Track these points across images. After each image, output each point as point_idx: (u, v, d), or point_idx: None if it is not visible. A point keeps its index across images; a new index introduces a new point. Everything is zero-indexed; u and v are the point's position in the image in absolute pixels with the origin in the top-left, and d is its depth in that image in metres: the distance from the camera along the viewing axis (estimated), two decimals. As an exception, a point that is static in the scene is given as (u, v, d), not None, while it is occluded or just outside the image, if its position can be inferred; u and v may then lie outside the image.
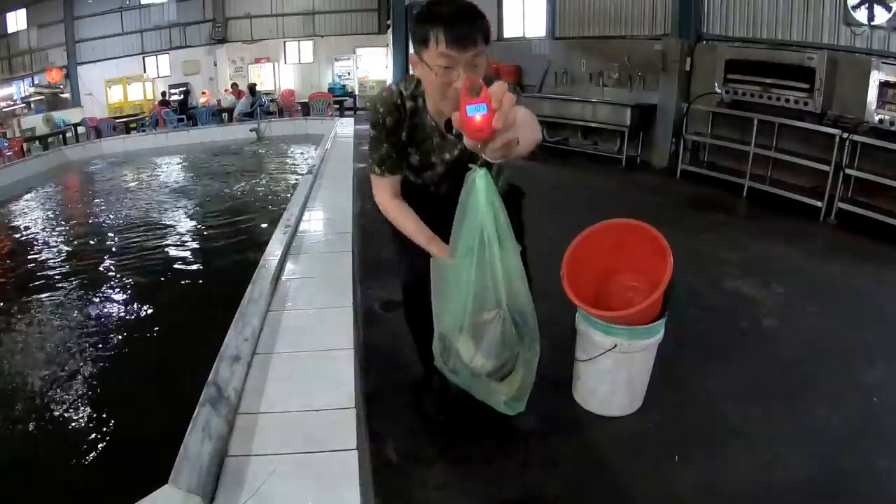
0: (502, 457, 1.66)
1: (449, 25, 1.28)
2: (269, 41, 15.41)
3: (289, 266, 2.06)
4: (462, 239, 1.20)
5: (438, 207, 1.52)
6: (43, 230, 5.49)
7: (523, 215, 1.69)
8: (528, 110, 1.13)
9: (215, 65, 15.31)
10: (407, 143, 1.52)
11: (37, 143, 10.71)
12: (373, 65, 14.89)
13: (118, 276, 4.00)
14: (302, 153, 8.70)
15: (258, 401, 1.23)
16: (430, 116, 1.48)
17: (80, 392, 2.48)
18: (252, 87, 12.67)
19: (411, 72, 1.44)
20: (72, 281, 3.91)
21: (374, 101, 1.52)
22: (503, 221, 1.18)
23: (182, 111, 13.09)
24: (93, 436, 2.18)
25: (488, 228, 1.15)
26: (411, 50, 1.39)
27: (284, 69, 15.75)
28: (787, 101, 4.51)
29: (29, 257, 4.58)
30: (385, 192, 1.57)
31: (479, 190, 1.12)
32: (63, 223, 5.75)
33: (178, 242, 4.79)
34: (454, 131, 1.38)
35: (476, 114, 0.87)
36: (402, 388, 1.96)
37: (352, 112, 12.96)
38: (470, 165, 1.14)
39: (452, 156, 1.53)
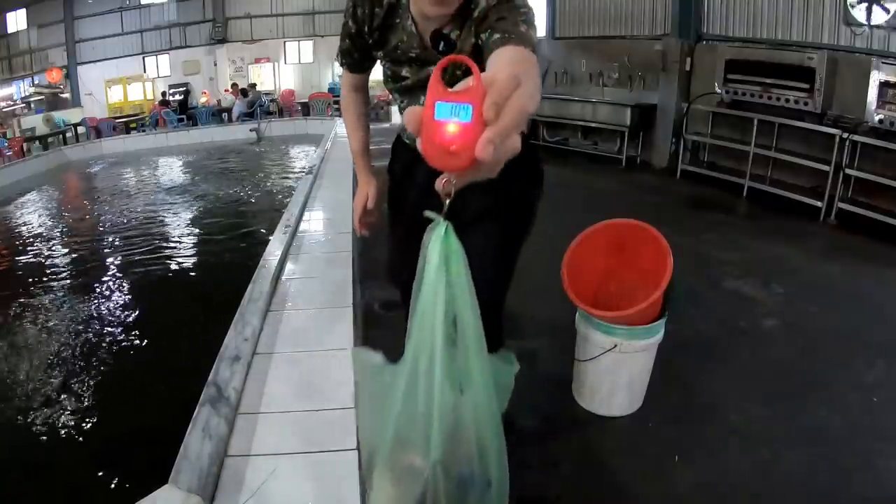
0: (502, 457, 1.66)
1: None
2: (269, 41, 15.41)
3: (289, 266, 2.06)
4: (411, 327, 0.70)
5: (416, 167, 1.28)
6: (43, 230, 5.48)
7: (537, 205, 1.34)
8: (535, 74, 0.76)
9: (215, 65, 15.31)
10: (376, 45, 1.21)
11: (37, 143, 10.70)
12: (372, 65, 14.87)
13: (118, 275, 4.00)
14: (304, 153, 8.70)
15: (258, 401, 1.23)
16: (411, 19, 1.14)
17: (80, 392, 2.48)
18: (244, 90, 12.72)
19: None
20: (71, 281, 3.91)
21: None
22: (470, 326, 0.68)
23: (182, 111, 13.10)
24: (92, 435, 2.18)
25: (432, 330, 0.66)
26: None
27: (284, 69, 15.75)
28: (787, 101, 4.51)
29: (29, 257, 4.58)
30: (345, 81, 1.38)
31: (432, 260, 0.64)
32: (63, 223, 5.75)
33: (178, 243, 4.79)
34: (441, 46, 1.13)
35: (450, 120, 0.46)
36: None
37: (352, 112, 12.90)
38: (427, 214, 0.63)
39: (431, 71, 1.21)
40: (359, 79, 1.36)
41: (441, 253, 0.63)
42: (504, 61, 0.84)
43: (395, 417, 0.72)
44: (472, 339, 0.68)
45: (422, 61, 1.18)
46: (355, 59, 1.29)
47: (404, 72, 1.23)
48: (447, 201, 0.53)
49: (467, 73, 0.49)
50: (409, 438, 0.73)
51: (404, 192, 1.36)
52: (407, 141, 1.39)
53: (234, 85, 13.84)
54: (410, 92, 1.26)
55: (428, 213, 0.62)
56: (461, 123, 0.45)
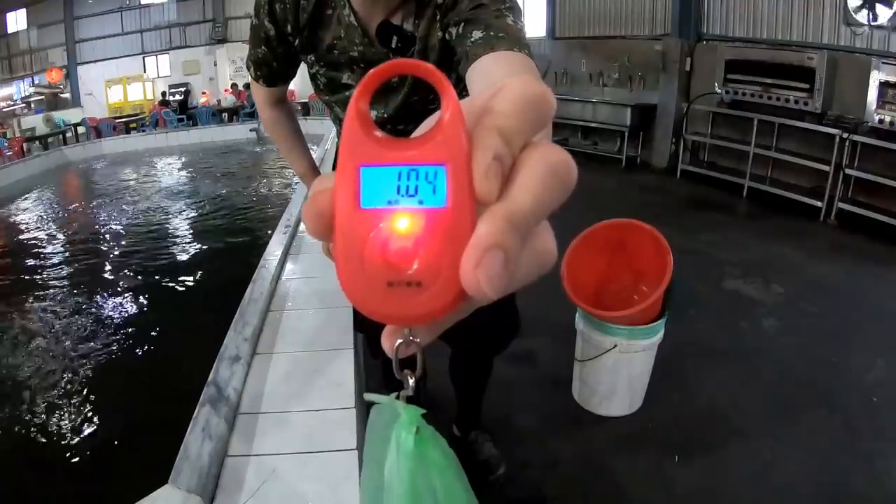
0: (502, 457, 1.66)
1: None
2: (269, 41, 15.40)
3: (289, 266, 2.06)
4: None
5: None
6: (43, 230, 5.48)
7: None
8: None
9: (215, 65, 15.32)
10: (305, 48, 0.96)
11: (37, 143, 10.70)
12: (373, 65, 14.88)
13: (117, 275, 4.00)
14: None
15: (258, 401, 1.23)
16: (349, 9, 0.90)
17: (80, 391, 2.48)
18: (248, 85, 12.77)
19: None
20: (71, 281, 3.91)
21: None
22: None
23: (182, 111, 13.11)
24: (92, 435, 2.18)
25: None
26: None
27: (284, 69, 15.74)
28: (787, 101, 4.51)
29: (29, 257, 4.58)
30: (260, 96, 1.12)
31: (403, 472, 0.31)
32: (63, 223, 5.75)
33: (178, 243, 4.79)
34: (394, 42, 0.91)
35: (400, 207, 0.20)
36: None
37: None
38: (369, 398, 0.36)
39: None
40: (278, 92, 1.12)
41: (413, 450, 0.31)
42: (497, 76, 0.61)
43: None
44: None
45: (367, 61, 0.95)
46: (273, 69, 1.03)
47: (345, 78, 0.98)
48: (411, 379, 0.29)
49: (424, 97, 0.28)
50: None
51: None
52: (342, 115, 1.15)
53: (234, 85, 13.85)
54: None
55: (370, 397, 0.35)
56: (425, 211, 0.20)
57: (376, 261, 0.20)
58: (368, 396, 0.35)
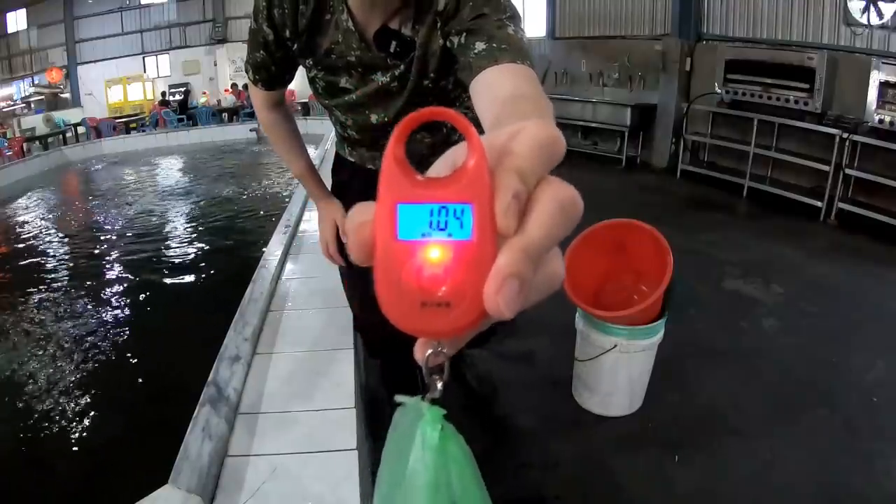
0: (502, 457, 1.66)
1: None
2: (269, 41, 15.40)
3: (289, 266, 2.06)
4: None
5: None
6: (43, 230, 5.49)
7: None
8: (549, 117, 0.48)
9: (215, 65, 15.31)
10: (303, 52, 0.97)
11: (37, 143, 10.69)
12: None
13: (117, 275, 4.00)
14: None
15: (258, 401, 1.23)
16: (347, 14, 0.90)
17: (80, 391, 2.48)
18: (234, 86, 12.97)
19: None
20: (71, 281, 3.91)
21: None
22: None
23: (182, 111, 13.11)
24: (92, 435, 2.18)
25: None
26: None
27: (284, 69, 15.74)
28: (787, 101, 4.51)
29: (29, 257, 4.58)
30: (259, 99, 1.13)
31: (426, 460, 0.36)
32: (63, 223, 5.75)
33: (178, 243, 4.79)
34: (392, 47, 0.91)
35: (431, 240, 0.23)
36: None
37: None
38: (400, 399, 0.39)
39: (381, 81, 0.96)
40: (276, 95, 1.13)
41: (438, 444, 0.36)
42: (502, 89, 0.60)
43: None
44: None
45: (365, 66, 0.95)
46: (272, 73, 1.04)
47: (343, 82, 0.99)
48: (439, 383, 0.31)
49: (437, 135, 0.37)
50: None
51: None
52: (351, 159, 1.18)
53: (234, 85, 13.85)
54: (356, 109, 1.04)
55: (400, 398, 0.38)
56: (454, 244, 0.23)
57: (412, 285, 0.23)
58: (398, 398, 0.38)
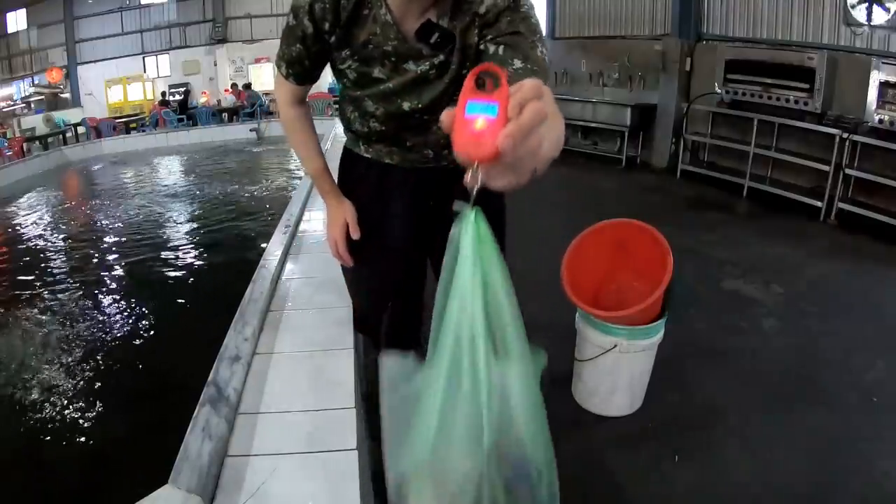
0: (502, 457, 1.66)
1: None
2: (269, 41, 15.41)
3: (289, 266, 2.06)
4: (440, 331, 0.65)
5: (393, 182, 1.19)
6: (43, 230, 5.49)
7: (505, 218, 1.28)
8: (556, 110, 0.61)
9: (215, 65, 15.31)
10: (339, 44, 1.03)
11: (37, 143, 10.70)
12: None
13: (117, 275, 4.00)
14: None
15: (258, 401, 1.23)
16: (385, 8, 0.99)
17: (79, 391, 2.48)
18: (247, 85, 13.10)
19: None
20: (71, 281, 3.91)
21: None
22: (505, 312, 0.63)
23: (182, 111, 13.11)
24: (92, 435, 2.18)
25: (473, 319, 0.62)
26: None
27: (284, 69, 15.74)
28: (787, 101, 4.51)
29: (29, 257, 4.58)
30: (285, 93, 1.17)
31: (466, 250, 0.61)
32: (63, 223, 5.75)
33: (178, 242, 4.79)
34: (433, 38, 0.99)
35: (479, 116, 0.51)
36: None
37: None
38: (457, 204, 0.61)
39: (418, 71, 1.03)
40: (303, 91, 1.17)
41: (474, 238, 0.60)
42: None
43: (436, 410, 0.65)
44: (509, 323, 0.63)
45: (398, 56, 1.02)
46: (306, 67, 1.09)
47: (376, 72, 1.05)
48: (475, 191, 0.54)
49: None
50: (452, 429, 0.65)
51: (373, 220, 1.20)
52: (367, 156, 1.22)
53: (234, 85, 13.85)
54: (388, 98, 1.08)
55: (458, 204, 0.60)
56: (488, 119, 0.49)
57: (468, 134, 0.49)
58: (459, 204, 0.61)
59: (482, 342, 0.62)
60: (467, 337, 0.62)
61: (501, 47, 0.91)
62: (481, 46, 0.96)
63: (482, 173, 0.51)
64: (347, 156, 1.27)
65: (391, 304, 1.34)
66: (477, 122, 0.50)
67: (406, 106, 1.09)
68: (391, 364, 0.72)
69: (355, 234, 1.18)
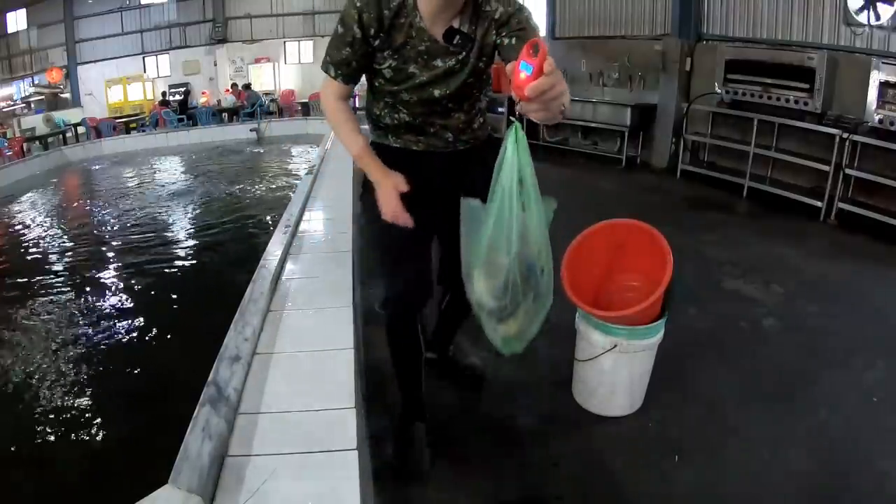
0: (502, 457, 1.66)
1: None
2: (269, 41, 15.42)
3: (289, 266, 2.06)
4: (495, 185, 1.16)
5: (419, 163, 1.41)
6: (43, 230, 5.49)
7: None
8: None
9: (215, 65, 15.31)
10: (381, 46, 1.28)
11: (37, 143, 10.70)
12: (373, 65, 14.87)
13: (117, 275, 4.00)
14: (304, 153, 8.70)
15: (258, 401, 1.23)
16: (419, 16, 1.25)
17: (79, 391, 2.48)
18: (247, 85, 13.10)
19: None
20: (71, 281, 3.91)
21: None
22: (529, 182, 1.14)
23: (182, 111, 13.11)
24: (92, 435, 2.18)
25: (510, 184, 1.13)
26: None
27: (284, 69, 15.76)
28: (787, 101, 4.51)
29: (29, 257, 4.58)
30: (330, 92, 1.37)
31: (509, 144, 1.11)
32: (63, 223, 5.75)
33: (178, 243, 4.80)
34: (455, 40, 1.28)
35: (523, 71, 0.83)
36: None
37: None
38: (511, 119, 1.08)
39: (446, 65, 1.31)
40: (348, 90, 1.37)
41: (514, 139, 1.09)
42: None
43: (489, 234, 1.18)
44: (530, 186, 1.14)
45: (429, 54, 1.29)
46: (353, 68, 1.31)
47: (411, 68, 1.31)
48: (521, 112, 0.90)
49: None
50: (497, 244, 1.19)
51: (408, 196, 1.34)
52: (396, 145, 1.45)
53: (234, 85, 13.85)
54: (422, 88, 1.33)
55: (513, 123, 1.07)
56: (526, 75, 0.83)
57: (516, 81, 0.84)
58: (513, 122, 1.06)
59: (515, 201, 1.14)
60: (507, 196, 1.13)
61: (514, 39, 1.24)
62: (497, 41, 1.28)
63: (523, 107, 0.86)
64: (376, 148, 1.45)
65: (421, 266, 1.51)
66: (521, 75, 0.83)
67: (437, 93, 1.35)
68: (468, 206, 1.23)
69: (404, 188, 1.33)
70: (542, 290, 1.28)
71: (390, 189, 1.33)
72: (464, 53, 1.30)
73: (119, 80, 14.85)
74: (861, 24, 4.35)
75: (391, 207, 1.33)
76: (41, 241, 5.11)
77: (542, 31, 7.96)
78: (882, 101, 3.85)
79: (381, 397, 1.93)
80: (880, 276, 3.14)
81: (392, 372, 1.64)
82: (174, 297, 3.60)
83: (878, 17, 4.19)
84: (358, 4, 1.23)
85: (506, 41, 1.26)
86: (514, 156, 1.11)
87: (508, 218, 1.16)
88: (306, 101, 13.10)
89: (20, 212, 6.38)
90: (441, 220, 1.41)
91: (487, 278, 1.28)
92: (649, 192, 5.13)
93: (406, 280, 1.49)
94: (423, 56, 1.29)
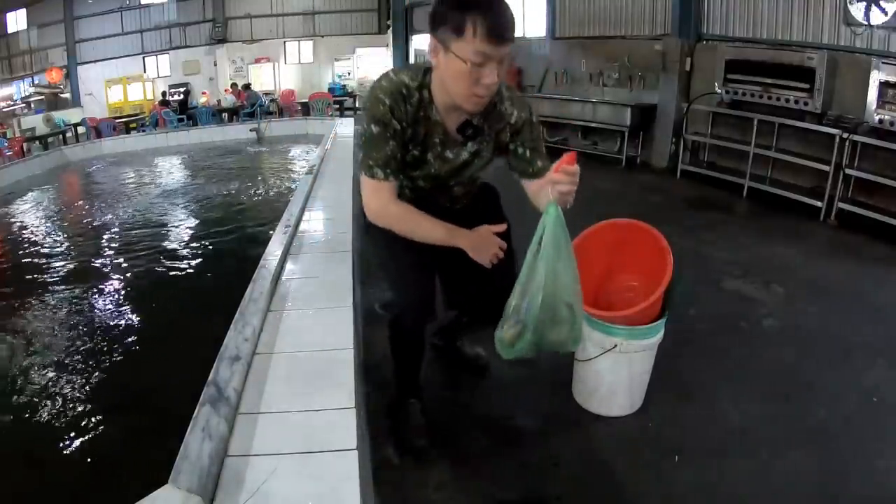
0: (502, 457, 1.66)
1: (491, 17, 1.18)
2: (269, 41, 15.42)
3: (289, 266, 2.06)
4: (538, 254, 1.28)
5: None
6: (43, 230, 5.49)
7: (503, 213, 1.66)
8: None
9: (215, 65, 15.32)
10: (411, 138, 1.38)
11: (37, 143, 10.71)
12: (373, 65, 14.89)
13: (117, 275, 4.00)
14: (305, 153, 8.70)
15: (258, 401, 1.23)
16: (436, 110, 1.37)
17: (79, 391, 2.48)
18: (246, 85, 13.02)
19: (411, 59, 1.39)
20: (71, 281, 3.91)
21: (377, 91, 1.34)
22: (563, 251, 1.26)
23: (182, 111, 13.10)
24: (92, 435, 2.18)
25: (545, 248, 1.26)
26: (415, 40, 1.33)
27: (284, 69, 15.76)
28: (787, 101, 4.51)
29: (29, 257, 4.58)
30: (386, 196, 1.38)
31: (549, 217, 1.25)
32: (63, 223, 5.75)
33: (178, 242, 4.80)
34: (469, 132, 1.41)
35: (559, 165, 1.19)
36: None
37: (352, 112, 12.97)
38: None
39: (456, 156, 1.45)
40: (398, 186, 1.40)
41: (555, 213, 1.24)
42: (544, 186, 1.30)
43: (526, 275, 1.30)
44: (564, 248, 1.27)
45: (444, 146, 1.43)
46: (398, 161, 1.37)
47: (429, 156, 1.44)
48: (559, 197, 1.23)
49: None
50: (533, 284, 1.29)
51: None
52: (422, 184, 1.51)
53: (234, 85, 13.84)
54: (436, 177, 1.48)
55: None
56: (567, 158, 1.19)
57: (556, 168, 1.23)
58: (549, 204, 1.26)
59: (563, 265, 1.28)
60: (542, 253, 1.27)
61: (528, 151, 1.45)
62: (510, 146, 1.46)
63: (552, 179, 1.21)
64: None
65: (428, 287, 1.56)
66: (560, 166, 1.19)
67: (451, 181, 1.52)
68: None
69: (496, 230, 1.44)
70: (538, 332, 1.33)
71: (487, 235, 1.41)
72: (477, 147, 1.45)
73: (119, 80, 14.86)
74: (861, 24, 4.35)
75: (495, 245, 1.41)
76: (41, 240, 5.10)
77: (543, 31, 8.02)
78: (882, 101, 3.85)
79: (382, 397, 1.93)
80: (880, 276, 3.14)
81: (390, 356, 1.68)
82: (174, 296, 3.60)
83: (884, 13, 4.16)
84: (387, 101, 1.32)
85: (519, 150, 1.44)
86: (553, 231, 1.25)
87: (535, 275, 1.28)
88: (306, 101, 13.10)
89: (20, 212, 6.38)
90: (442, 251, 1.45)
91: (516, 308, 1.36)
92: (649, 192, 5.13)
93: (411, 301, 1.51)
94: (439, 147, 1.42)
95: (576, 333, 1.37)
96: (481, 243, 1.42)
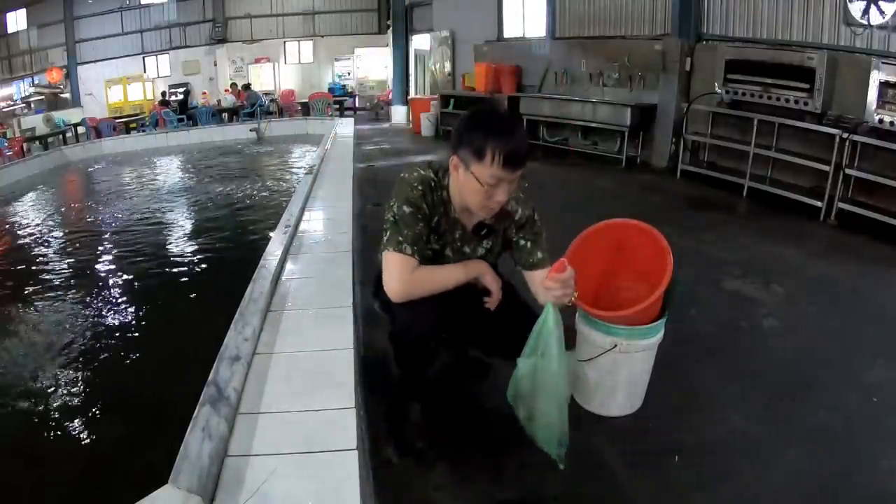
0: (502, 457, 1.66)
1: (510, 147, 1.31)
2: (269, 41, 15.43)
3: (289, 266, 2.06)
4: (544, 355, 1.44)
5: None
6: (43, 230, 5.48)
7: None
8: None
9: (215, 65, 15.33)
10: (433, 230, 1.50)
11: (37, 143, 10.72)
12: (372, 65, 14.91)
13: (117, 275, 4.00)
14: (305, 153, 8.70)
15: (258, 401, 1.23)
16: (454, 208, 1.50)
17: (79, 391, 2.48)
18: (246, 85, 12.99)
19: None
20: (71, 280, 3.91)
21: (409, 179, 1.47)
22: (555, 351, 1.40)
23: (182, 111, 13.10)
24: (92, 435, 2.18)
25: (550, 351, 1.41)
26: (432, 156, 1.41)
27: (284, 69, 15.77)
28: (787, 101, 4.51)
29: (28, 257, 4.58)
30: (408, 269, 1.42)
31: (548, 316, 1.40)
32: (63, 223, 5.75)
33: (178, 243, 4.80)
34: (483, 231, 1.55)
35: (560, 266, 1.34)
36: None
37: (352, 112, 12.98)
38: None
39: (473, 251, 1.57)
40: (419, 261, 1.46)
41: (553, 315, 1.40)
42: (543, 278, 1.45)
43: (529, 377, 1.49)
44: (561, 355, 1.42)
45: (460, 242, 1.56)
46: (424, 242, 1.46)
47: (447, 251, 1.56)
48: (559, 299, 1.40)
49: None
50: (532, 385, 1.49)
51: None
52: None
53: (234, 85, 13.84)
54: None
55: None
56: (556, 266, 1.36)
57: (555, 268, 1.41)
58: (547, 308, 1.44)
59: (556, 362, 1.42)
60: (553, 359, 1.42)
61: (529, 243, 1.56)
62: (514, 239, 1.57)
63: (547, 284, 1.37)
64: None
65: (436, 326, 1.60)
66: (559, 268, 1.35)
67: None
68: (522, 365, 1.50)
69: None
70: (536, 423, 1.55)
71: (491, 274, 1.56)
72: (490, 243, 1.59)
73: (119, 80, 14.86)
74: (861, 24, 4.35)
75: (499, 284, 1.57)
76: (40, 241, 5.10)
77: (543, 31, 8.03)
78: (882, 101, 3.85)
79: (381, 397, 1.93)
80: (880, 276, 3.14)
81: (391, 356, 1.67)
82: (174, 296, 3.59)
83: (882, 14, 4.16)
84: (420, 187, 1.45)
85: (521, 242, 1.56)
86: (551, 329, 1.39)
87: (535, 377, 1.47)
88: (306, 101, 13.10)
89: (20, 211, 6.38)
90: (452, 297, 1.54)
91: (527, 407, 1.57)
92: (649, 192, 5.13)
93: (420, 326, 1.54)
94: (458, 242, 1.56)
95: (562, 438, 1.53)
96: (492, 279, 1.57)
